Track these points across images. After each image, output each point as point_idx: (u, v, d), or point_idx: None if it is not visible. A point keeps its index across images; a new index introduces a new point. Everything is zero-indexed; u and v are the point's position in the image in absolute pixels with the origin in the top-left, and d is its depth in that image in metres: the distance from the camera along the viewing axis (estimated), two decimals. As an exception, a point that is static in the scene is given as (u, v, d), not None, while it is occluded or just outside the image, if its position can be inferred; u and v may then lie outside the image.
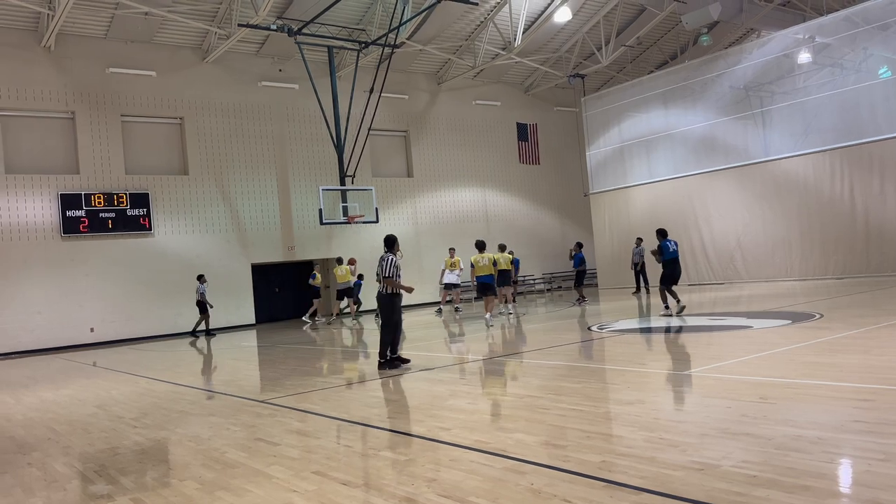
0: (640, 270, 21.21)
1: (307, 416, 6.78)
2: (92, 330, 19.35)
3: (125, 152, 20.36)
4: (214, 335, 19.22)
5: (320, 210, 20.24)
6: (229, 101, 21.96)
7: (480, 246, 14.90)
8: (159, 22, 19.97)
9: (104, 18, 19.48)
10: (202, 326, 19.17)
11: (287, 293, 24.28)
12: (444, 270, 19.18)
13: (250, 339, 17.85)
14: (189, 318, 20.26)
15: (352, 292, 19.81)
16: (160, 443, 6.29)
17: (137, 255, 20.13)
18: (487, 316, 14.72)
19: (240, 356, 13.70)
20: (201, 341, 18.00)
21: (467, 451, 4.96)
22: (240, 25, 19.15)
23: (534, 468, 4.39)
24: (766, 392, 6.03)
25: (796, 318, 11.24)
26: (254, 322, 22.02)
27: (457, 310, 19.11)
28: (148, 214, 20.25)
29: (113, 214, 19.76)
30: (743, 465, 4.08)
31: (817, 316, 11.08)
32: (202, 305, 18.80)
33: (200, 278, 18.84)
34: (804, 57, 22.18)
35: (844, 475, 3.94)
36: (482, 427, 5.66)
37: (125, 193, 19.97)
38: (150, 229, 20.30)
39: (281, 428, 6.38)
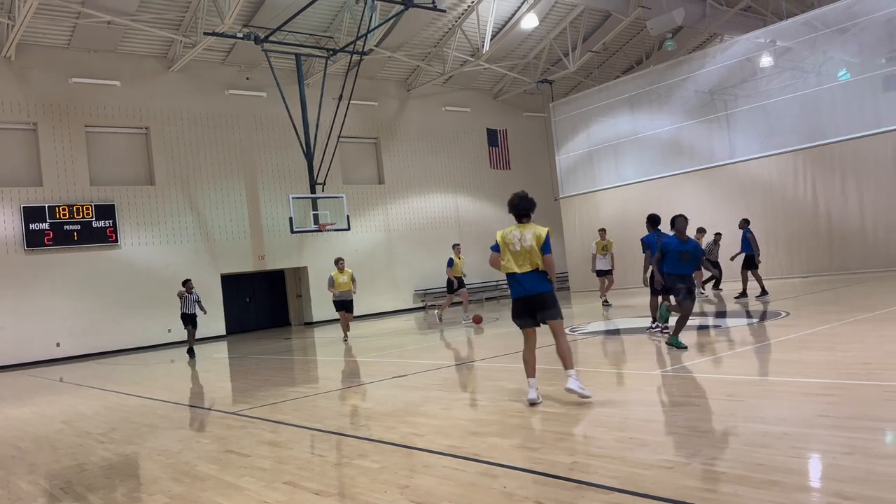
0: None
1: (279, 427, 6.71)
2: (58, 345, 18.95)
3: (90, 163, 20.03)
4: (194, 354, 15.90)
5: (291, 218, 20.10)
6: (196, 109, 21.73)
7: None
8: (123, 31, 19.70)
9: (66, 28, 19.17)
10: (191, 341, 16.10)
11: (258, 303, 24.06)
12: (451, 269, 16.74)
13: (221, 350, 17.63)
14: (158, 331, 19.98)
15: (352, 305, 16.10)
16: (129, 458, 6.18)
17: (104, 268, 19.78)
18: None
19: (210, 368, 13.52)
20: (176, 355, 17.71)
21: (441, 456, 4.95)
22: (205, 34, 18.97)
23: (507, 471, 4.40)
24: (734, 390, 6.11)
25: (763, 316, 11.42)
26: (224, 333, 21.76)
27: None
28: (114, 226, 19.92)
29: (78, 227, 19.41)
30: (712, 462, 4.13)
31: (783, 314, 11.27)
32: (193, 317, 15.43)
33: (188, 284, 15.52)
34: (766, 61, 22.64)
35: (811, 469, 4.01)
36: (455, 432, 5.65)
37: (90, 205, 19.63)
38: (116, 241, 19.97)
39: (252, 439, 6.30)
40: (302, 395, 8.61)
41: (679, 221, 8.74)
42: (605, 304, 16.66)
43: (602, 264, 16.69)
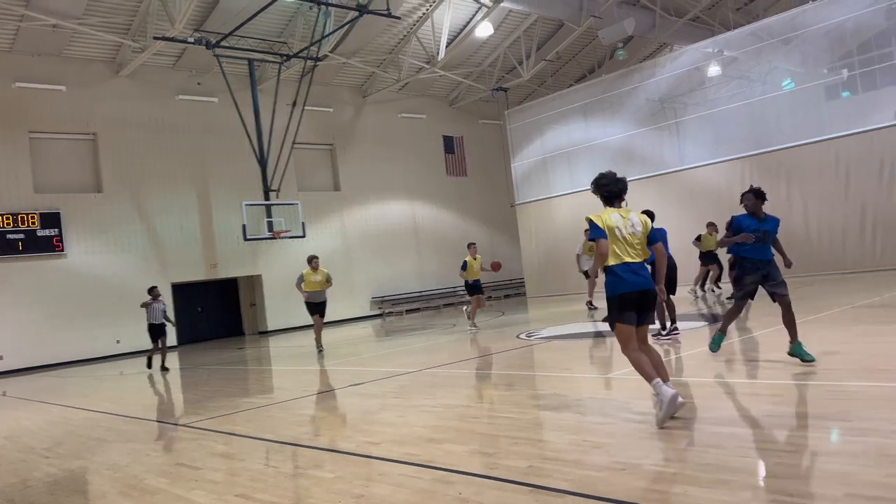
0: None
1: (231, 439, 6.59)
2: (1, 358, 18.27)
3: (34, 170, 19.41)
4: (168, 369, 14.41)
5: (244, 226, 19.81)
6: (145, 115, 21.26)
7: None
8: (69, 35, 19.19)
9: (9, 31, 18.57)
10: (155, 353, 14.70)
11: (210, 312, 23.62)
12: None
13: (172, 361, 17.20)
14: (106, 342, 19.45)
15: (325, 307, 14.10)
16: (75, 473, 5.99)
17: (50, 278, 19.17)
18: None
19: (160, 379, 13.20)
20: (126, 367, 17.23)
21: (397, 464, 4.93)
22: (155, 38, 18.60)
23: (462, 477, 4.40)
24: (685, 391, 6.23)
25: (713, 319, 11.69)
26: (175, 344, 21.25)
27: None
28: (60, 235, 19.33)
29: (22, 236, 18.77)
30: (663, 463, 4.20)
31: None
32: (161, 328, 14.16)
33: (154, 291, 14.32)
34: (714, 70, 23.28)
35: (757, 468, 4.11)
36: (412, 439, 5.63)
37: (35, 213, 19.01)
38: (62, 250, 19.39)
39: (203, 451, 6.18)
40: (255, 406, 8.47)
41: (747, 197, 7.42)
42: (590, 306, 15.97)
43: (589, 265, 16.09)
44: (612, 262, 5.33)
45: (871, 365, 6.13)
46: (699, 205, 20.81)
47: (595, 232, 5.42)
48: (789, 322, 6.80)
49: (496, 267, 14.89)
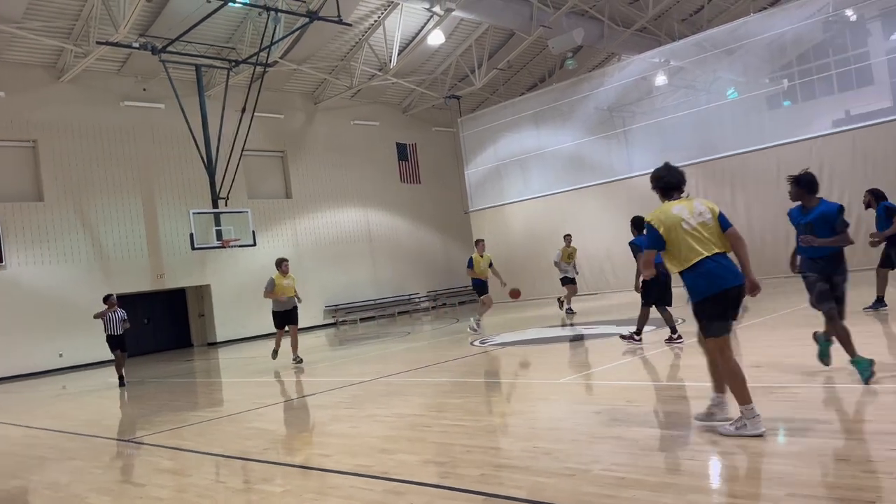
0: None
1: (178, 454, 6.42)
2: (-67, 374, 17.49)
3: (-31, 178, 18.67)
4: (125, 384, 13.20)
5: (192, 235, 19.36)
6: (88, 122, 20.67)
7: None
8: (8, 39, 18.54)
9: (-59, 33, 17.87)
10: (119, 368, 13.36)
11: (157, 323, 23.04)
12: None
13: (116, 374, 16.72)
14: (47, 355, 18.77)
15: (297, 315, 12.85)
16: (11, 493, 5.75)
17: (-14, 290, 18.44)
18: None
19: (105, 394, 12.80)
20: (68, 381, 16.65)
21: (348, 476, 4.87)
22: (98, 43, 18.11)
23: (414, 487, 4.37)
24: (633, 395, 6.33)
25: (658, 323, 11.89)
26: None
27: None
28: (-2, 245, 18.63)
29: (-44, 246, 18.03)
30: (612, 467, 4.25)
31: (680, 320, 11.78)
32: (121, 339, 13.01)
33: (110, 300, 13.03)
34: (660, 79, 23.84)
35: (703, 470, 4.19)
36: (364, 450, 5.58)
37: (-30, 223, 18.29)
38: (1, 261, 18.66)
39: (149, 468, 6.00)
40: (204, 420, 8.28)
41: (792, 185, 6.09)
42: (569, 311, 15.97)
43: (568, 272, 16.20)
44: (693, 259, 4.61)
45: (811, 367, 6.32)
46: (646, 210, 21.14)
47: (648, 239, 4.86)
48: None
49: (515, 295, 14.17)
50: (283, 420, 7.72)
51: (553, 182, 23.91)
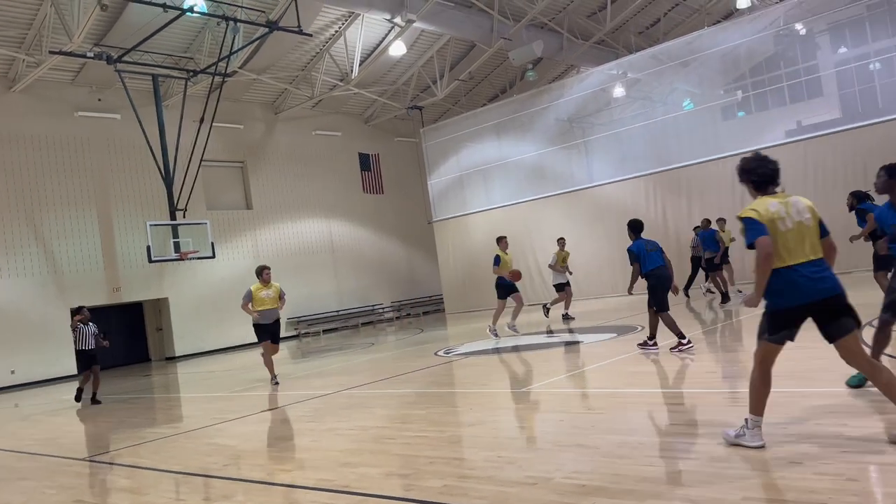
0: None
1: (135, 472, 6.27)
2: None
3: (-86, 190, 18.04)
4: (100, 402, 12.39)
5: (149, 247, 18.97)
6: (41, 132, 20.16)
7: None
8: (-45, 46, 18.03)
9: None
10: (87, 384, 12.56)
11: (114, 338, 22.37)
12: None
13: (71, 391, 16.23)
14: (0, 373, 18.20)
15: (279, 330, 11.61)
16: (-42, 518, 5.55)
17: (-68, 306, 17.80)
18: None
19: (59, 411, 12.44)
20: (20, 398, 16.13)
21: (310, 491, 4.82)
22: (51, 52, 17.69)
23: (377, 501, 4.35)
24: (594, 403, 6.40)
25: (620, 331, 12.07)
26: (76, 373, 20.07)
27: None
28: (-55, 259, 18.01)
29: None
30: (573, 475, 4.29)
31: (639, 328, 11.96)
32: (93, 355, 12.29)
33: (82, 312, 12.33)
34: (618, 91, 24.28)
35: (662, 476, 4.25)
36: (326, 464, 5.52)
37: (-85, 237, 17.66)
38: (-53, 276, 18.07)
39: (105, 487, 5.86)
40: (162, 436, 8.10)
41: (879, 175, 5.69)
42: (566, 317, 15.76)
43: (562, 277, 15.89)
44: (778, 263, 4.15)
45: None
46: (606, 220, 21.54)
47: (752, 232, 4.21)
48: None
49: (516, 276, 13.50)
50: (243, 435, 7.60)
51: (515, 192, 24.10)
